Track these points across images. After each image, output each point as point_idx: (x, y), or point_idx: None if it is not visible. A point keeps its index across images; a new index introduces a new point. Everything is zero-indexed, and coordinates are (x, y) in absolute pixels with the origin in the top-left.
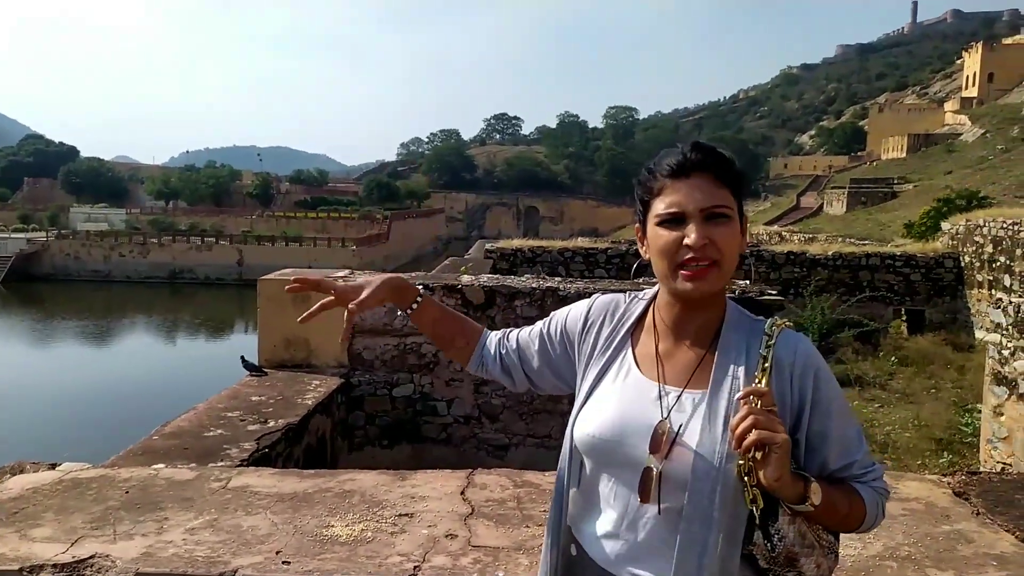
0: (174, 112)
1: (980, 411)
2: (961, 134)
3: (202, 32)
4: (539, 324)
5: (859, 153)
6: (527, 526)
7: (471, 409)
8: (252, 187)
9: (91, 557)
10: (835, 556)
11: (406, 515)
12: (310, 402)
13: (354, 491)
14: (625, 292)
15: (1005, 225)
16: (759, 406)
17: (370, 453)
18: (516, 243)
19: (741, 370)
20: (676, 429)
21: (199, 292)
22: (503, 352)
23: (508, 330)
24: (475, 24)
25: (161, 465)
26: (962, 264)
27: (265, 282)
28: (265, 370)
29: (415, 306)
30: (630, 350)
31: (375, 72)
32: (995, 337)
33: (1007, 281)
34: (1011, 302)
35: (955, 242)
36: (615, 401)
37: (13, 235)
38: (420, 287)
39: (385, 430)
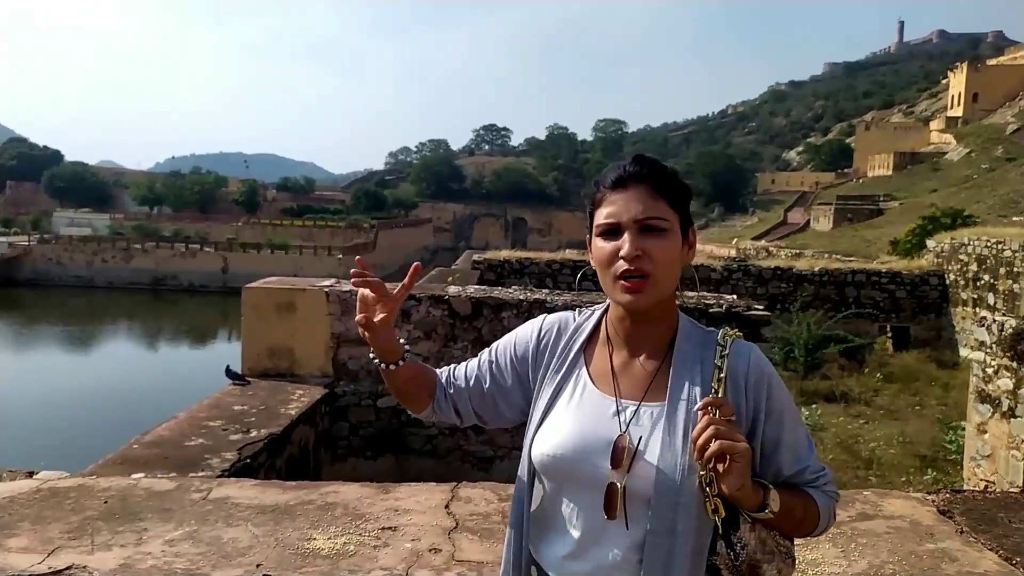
0: (160, 117)
1: (964, 428)
2: (946, 153)
3: (188, 37)
4: (484, 354)
5: (846, 170)
6: None
7: None
8: (238, 194)
9: (68, 568)
10: (792, 561)
11: (389, 528)
12: (293, 412)
13: (337, 504)
14: (576, 309)
15: (989, 244)
16: (718, 416)
17: (353, 464)
18: (504, 254)
19: (697, 380)
20: (636, 443)
21: (183, 299)
22: (450, 391)
23: (450, 367)
24: (464, 35)
25: (140, 475)
26: (947, 282)
27: (250, 290)
28: (248, 379)
29: (402, 362)
30: (584, 367)
31: (364, 81)
32: (979, 355)
33: (991, 299)
34: (995, 320)
35: (940, 260)
36: (572, 419)
37: None
38: (407, 350)
39: (369, 441)
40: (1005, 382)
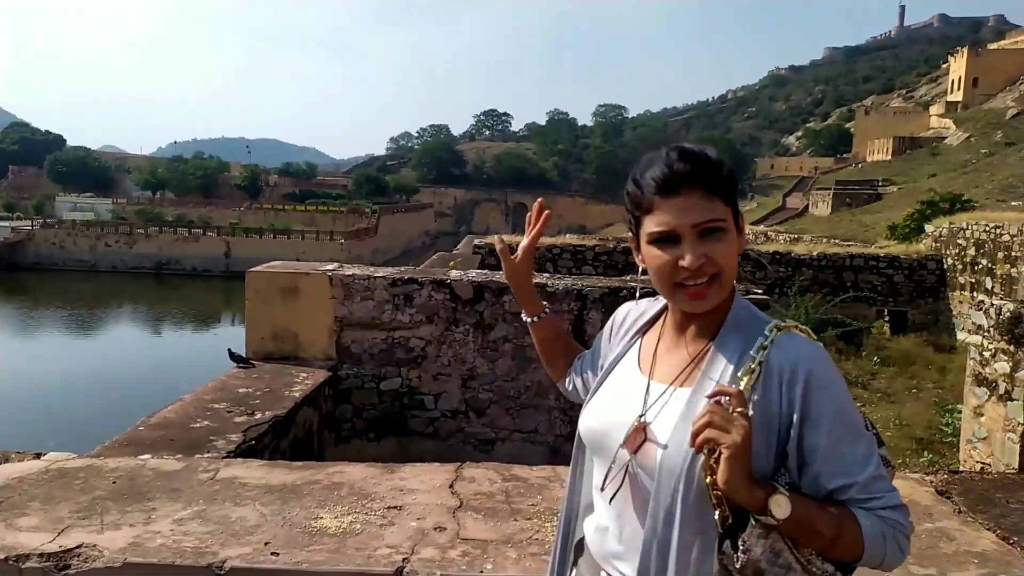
0: (162, 102)
1: (960, 411)
2: (945, 138)
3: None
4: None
5: (845, 155)
6: (515, 519)
7: (458, 403)
8: (240, 179)
9: (78, 547)
10: None
11: (395, 508)
12: (297, 394)
13: (343, 483)
14: (654, 296)
15: (988, 228)
16: (731, 407)
17: (356, 446)
18: (505, 239)
19: (729, 370)
20: (648, 424)
21: (185, 284)
22: (575, 374)
23: (584, 352)
24: (465, 20)
25: (147, 456)
26: (945, 266)
27: (254, 274)
28: (252, 362)
29: (537, 319)
30: (637, 348)
31: (365, 66)
32: (977, 339)
33: (989, 284)
34: (993, 304)
35: (938, 244)
36: (609, 397)
37: None
38: (546, 307)
39: (372, 423)
40: (1002, 365)
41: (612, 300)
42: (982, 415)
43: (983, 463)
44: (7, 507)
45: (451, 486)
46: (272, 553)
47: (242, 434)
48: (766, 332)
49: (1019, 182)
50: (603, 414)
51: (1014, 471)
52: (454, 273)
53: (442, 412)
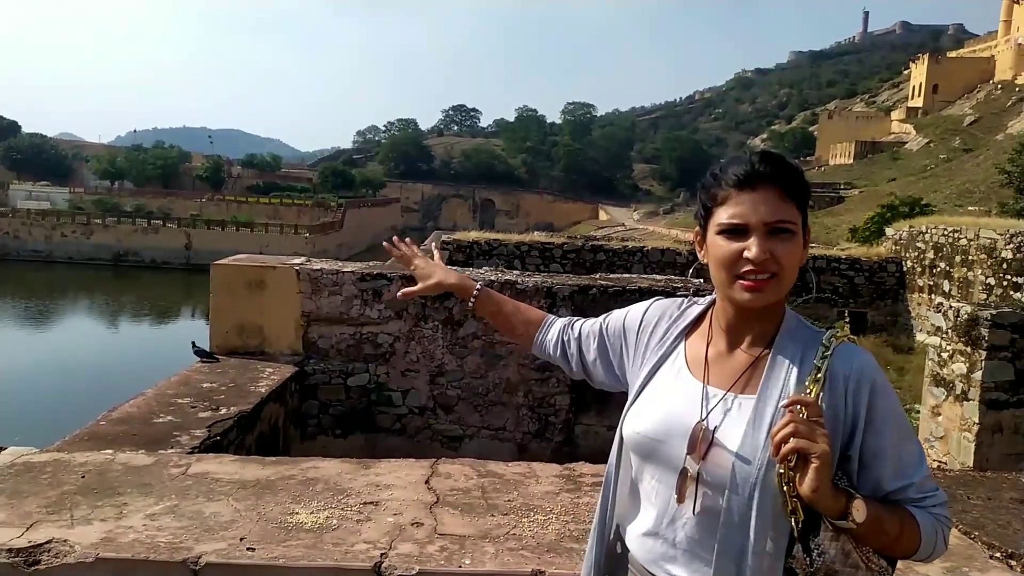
0: (121, 89)
1: (918, 411)
2: (906, 143)
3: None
4: (600, 319)
5: (808, 158)
6: (492, 515)
7: (426, 400)
8: (202, 170)
9: (48, 542)
10: None
11: (371, 503)
12: (263, 390)
13: (317, 479)
14: (685, 297)
15: (946, 232)
16: (805, 416)
17: (323, 442)
18: (473, 235)
19: (793, 378)
20: (713, 430)
21: (144, 275)
22: (565, 339)
23: (573, 319)
24: (434, 15)
25: (111, 451)
26: (904, 269)
27: (219, 267)
28: (217, 356)
29: (472, 300)
30: (683, 351)
31: (332, 58)
32: (935, 340)
33: (946, 286)
34: (951, 307)
35: (898, 247)
36: (661, 401)
37: None
38: (479, 284)
39: (339, 419)
40: (959, 366)
41: (581, 298)
42: (939, 415)
43: (940, 462)
44: None
45: (427, 482)
46: (248, 548)
47: (207, 429)
48: (824, 342)
49: (976, 187)
50: (658, 419)
51: (970, 469)
52: None
53: (410, 408)
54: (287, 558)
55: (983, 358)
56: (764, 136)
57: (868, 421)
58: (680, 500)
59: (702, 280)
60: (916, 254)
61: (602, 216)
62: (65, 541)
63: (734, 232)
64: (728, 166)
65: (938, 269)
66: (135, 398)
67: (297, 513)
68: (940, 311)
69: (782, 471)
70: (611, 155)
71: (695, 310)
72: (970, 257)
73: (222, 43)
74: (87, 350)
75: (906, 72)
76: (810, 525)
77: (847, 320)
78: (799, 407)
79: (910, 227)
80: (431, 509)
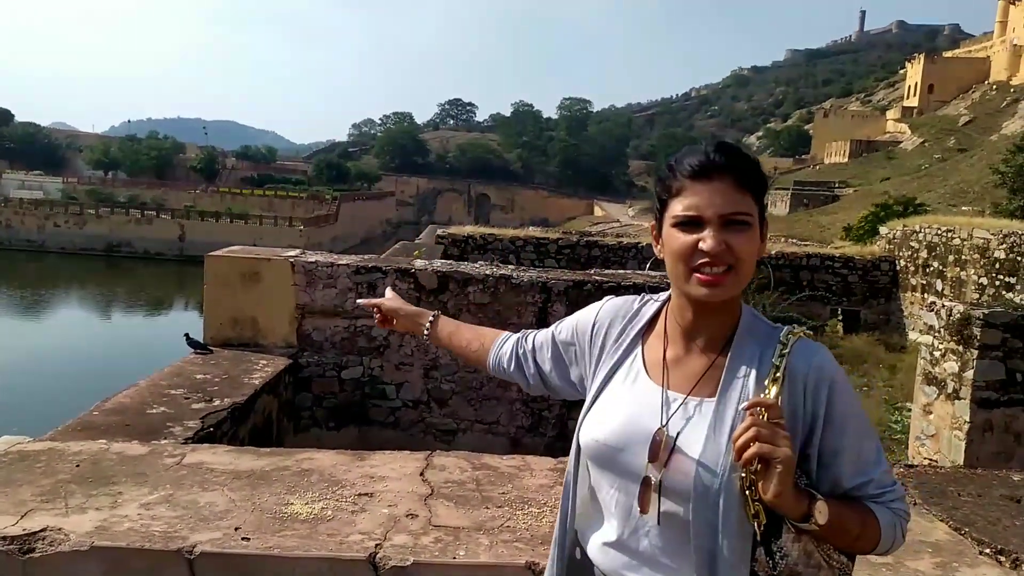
0: (115, 79)
1: (910, 409)
2: (901, 142)
3: None
4: (552, 327)
5: (803, 156)
6: (487, 507)
7: (420, 393)
8: (196, 161)
9: (43, 530)
10: None
11: (366, 495)
12: (257, 382)
13: (312, 470)
14: (640, 295)
15: (939, 232)
16: (765, 418)
17: (316, 435)
18: (468, 230)
19: (752, 378)
20: (674, 437)
21: (137, 266)
22: (520, 353)
23: (528, 332)
24: (432, 7)
25: (104, 441)
26: (897, 268)
27: (213, 259)
28: (210, 348)
29: (430, 325)
30: (640, 354)
31: (327, 51)
32: (928, 339)
33: (939, 286)
34: (944, 305)
35: (892, 246)
36: (619, 407)
37: None
38: (432, 313)
39: (332, 412)
40: (951, 365)
41: (576, 293)
42: (931, 413)
43: (930, 460)
44: None
45: (422, 474)
46: (243, 538)
47: (200, 421)
48: (783, 339)
49: (970, 187)
50: (616, 426)
51: (960, 467)
52: (418, 263)
53: (404, 402)
54: (282, 548)
55: (975, 357)
56: (760, 134)
57: (827, 420)
58: (643, 511)
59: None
60: (910, 253)
61: (597, 212)
62: (60, 529)
63: (689, 224)
64: (683, 157)
65: (931, 268)
66: (128, 388)
67: (292, 504)
68: (933, 310)
69: (744, 475)
70: (607, 151)
71: (651, 308)
72: (963, 257)
73: (219, 34)
74: (79, 341)
75: (902, 72)
76: (772, 528)
77: (840, 319)
78: (760, 409)
79: (904, 226)
80: (426, 501)
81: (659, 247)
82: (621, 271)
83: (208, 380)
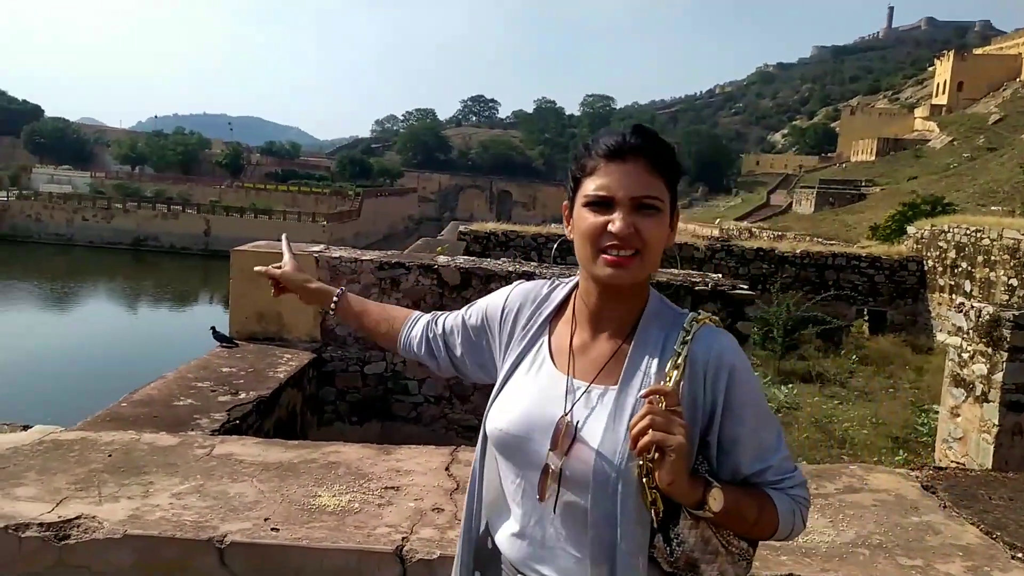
0: (142, 76)
1: (936, 411)
2: (929, 140)
3: None
4: (463, 309)
5: (829, 154)
6: None
7: (442, 389)
8: (222, 156)
9: (77, 517)
10: (747, 563)
11: (392, 488)
12: (282, 375)
13: (339, 463)
14: (549, 279)
15: (968, 232)
16: (663, 406)
17: (339, 429)
18: (490, 226)
19: (654, 365)
20: (576, 425)
21: (163, 260)
22: (430, 335)
23: (438, 313)
24: (455, 3)
25: (135, 432)
26: (925, 268)
27: (239, 253)
28: (236, 341)
29: (333, 306)
30: (546, 340)
31: (351, 48)
32: (956, 340)
33: (968, 287)
34: (973, 307)
35: (919, 246)
36: (524, 395)
37: None
38: (339, 290)
39: (355, 406)
40: (980, 367)
41: None
42: (958, 416)
43: (958, 463)
44: (3, 476)
45: (447, 468)
46: (272, 529)
47: (226, 413)
48: (686, 326)
49: (999, 187)
50: (519, 415)
51: (990, 471)
52: (441, 259)
53: (426, 397)
54: (310, 539)
55: (1004, 359)
56: (785, 131)
57: (726, 407)
58: (541, 498)
59: (561, 260)
60: (937, 253)
61: None
62: (94, 517)
63: (600, 205)
64: (600, 138)
65: (959, 269)
66: (156, 381)
67: (320, 496)
68: (961, 311)
69: (641, 464)
70: None
71: (560, 293)
72: (992, 257)
73: (244, 33)
74: (107, 333)
75: (931, 69)
76: (670, 515)
77: (866, 319)
78: (658, 397)
79: (932, 226)
80: (451, 495)
81: (570, 228)
82: None
83: (234, 373)
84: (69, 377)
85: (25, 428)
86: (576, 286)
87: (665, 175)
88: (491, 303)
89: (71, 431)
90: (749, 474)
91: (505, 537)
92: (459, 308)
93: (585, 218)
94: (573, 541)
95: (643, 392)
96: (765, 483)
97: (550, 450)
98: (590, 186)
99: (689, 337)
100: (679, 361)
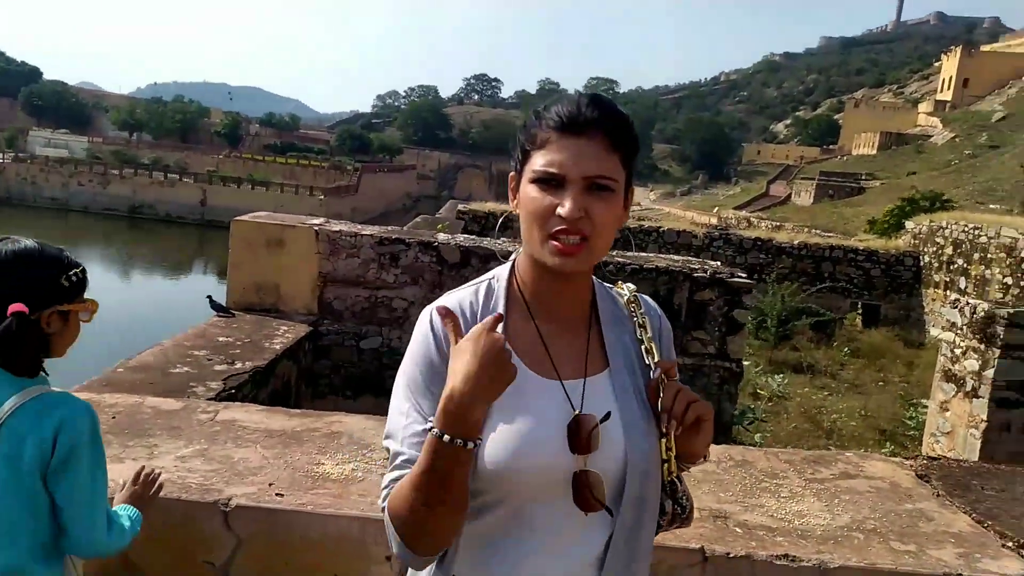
0: (142, 41)
1: (925, 406)
2: (931, 136)
3: None
4: (404, 420)
5: (831, 146)
6: None
7: None
8: (221, 126)
9: None
10: None
11: None
12: (278, 347)
13: (342, 432)
14: (471, 283)
15: (966, 229)
16: (677, 378)
17: (333, 402)
18: (489, 206)
19: (627, 341)
20: (591, 421)
21: (159, 228)
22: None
23: (396, 465)
24: None
25: (138, 396)
26: (921, 263)
27: (239, 223)
28: (233, 312)
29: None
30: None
31: (355, 21)
32: (949, 336)
33: (963, 283)
34: (968, 303)
35: (916, 241)
36: (522, 427)
37: None
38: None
39: (349, 381)
40: (972, 363)
41: (599, 274)
42: (948, 410)
43: (944, 457)
44: None
45: None
46: (277, 494)
47: (222, 382)
48: (632, 297)
49: (999, 185)
50: (517, 443)
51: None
52: (441, 236)
53: None
54: (315, 505)
55: (996, 356)
56: (788, 121)
57: (668, 359)
58: (588, 507)
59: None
60: (934, 249)
61: None
62: None
63: (549, 183)
64: (555, 107)
65: (955, 265)
66: (153, 348)
67: (323, 464)
68: (956, 307)
69: (663, 439)
70: None
71: (500, 290)
72: (989, 255)
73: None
74: (102, 300)
75: (937, 64)
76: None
77: (860, 312)
78: (657, 371)
79: (930, 222)
80: None
81: (515, 202)
82: (643, 254)
83: (230, 343)
84: None
85: None
86: (511, 274)
87: (621, 151)
88: (424, 363)
89: (75, 392)
90: None
91: None
92: (457, 285)
93: (532, 197)
94: (595, 540)
95: (657, 373)
96: None
97: (578, 454)
98: (539, 161)
99: (642, 309)
100: (650, 333)
